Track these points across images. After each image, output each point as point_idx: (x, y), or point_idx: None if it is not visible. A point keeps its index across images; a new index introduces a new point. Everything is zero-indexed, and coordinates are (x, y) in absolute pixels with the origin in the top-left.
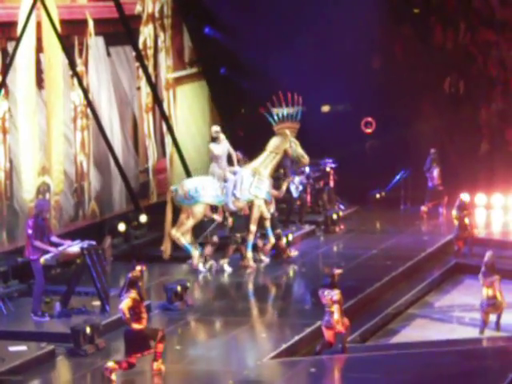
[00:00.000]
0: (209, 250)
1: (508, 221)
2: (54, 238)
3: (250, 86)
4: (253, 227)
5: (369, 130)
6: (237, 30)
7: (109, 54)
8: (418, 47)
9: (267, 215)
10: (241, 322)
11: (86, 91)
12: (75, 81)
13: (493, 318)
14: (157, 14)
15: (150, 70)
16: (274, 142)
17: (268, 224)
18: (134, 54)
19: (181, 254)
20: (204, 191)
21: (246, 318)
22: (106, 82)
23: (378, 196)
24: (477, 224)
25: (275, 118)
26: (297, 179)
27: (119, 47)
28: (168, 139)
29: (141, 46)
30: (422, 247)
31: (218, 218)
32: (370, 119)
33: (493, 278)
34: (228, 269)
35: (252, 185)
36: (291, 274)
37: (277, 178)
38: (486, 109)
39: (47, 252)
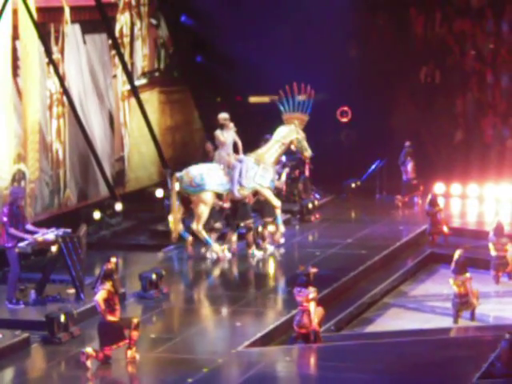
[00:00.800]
0: (213, 237)
1: (483, 211)
2: (29, 226)
3: (227, 75)
4: (277, 202)
5: (345, 120)
6: (213, 18)
7: (85, 42)
8: (393, 36)
9: (277, 204)
10: (216, 310)
11: (61, 79)
12: (51, 68)
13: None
14: (133, 2)
15: (126, 58)
16: (281, 132)
17: (279, 212)
18: (110, 41)
19: (156, 243)
20: (210, 179)
21: (222, 306)
22: (82, 69)
23: (353, 185)
24: (447, 221)
25: (286, 107)
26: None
27: (95, 35)
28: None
29: (117, 33)
30: (398, 237)
31: (226, 205)
32: (345, 108)
33: (464, 277)
34: (228, 255)
35: (257, 174)
36: (267, 262)
37: None
38: (461, 99)
39: (22, 240)
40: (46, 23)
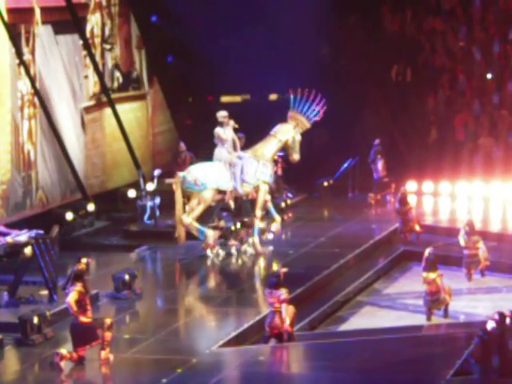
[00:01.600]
0: (216, 234)
1: (455, 208)
2: (1, 228)
3: (198, 75)
4: (259, 212)
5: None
6: (185, 18)
7: (57, 43)
8: (365, 35)
9: (268, 198)
10: (190, 310)
11: (33, 80)
12: (22, 69)
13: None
14: (104, 2)
15: (98, 58)
16: (281, 128)
17: (270, 205)
18: (81, 42)
19: (129, 243)
20: (213, 177)
21: (195, 306)
22: (54, 70)
23: (325, 184)
24: (418, 219)
25: (297, 104)
26: None
27: (67, 35)
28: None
29: (88, 34)
30: (370, 235)
31: (231, 202)
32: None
33: (435, 274)
34: (234, 252)
35: (257, 170)
36: (240, 262)
37: None
38: (433, 97)
39: None
40: (17, 24)
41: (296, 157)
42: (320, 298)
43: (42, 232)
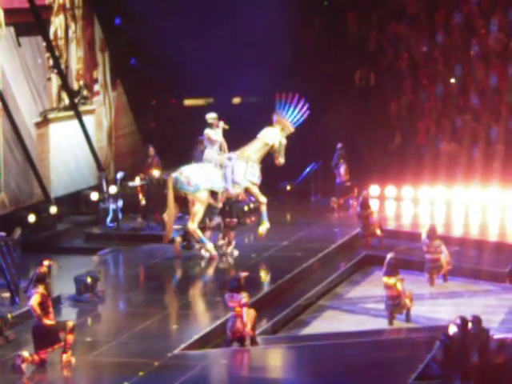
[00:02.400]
0: (208, 235)
1: (418, 213)
2: None
3: (162, 78)
4: (263, 198)
5: None
6: (148, 21)
7: (20, 45)
8: (329, 39)
9: (263, 200)
10: (152, 313)
11: None
12: None
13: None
14: (68, 5)
15: (61, 60)
16: (267, 132)
17: (264, 209)
18: (44, 44)
19: (92, 246)
20: (206, 177)
21: (158, 309)
22: (17, 72)
23: (288, 188)
24: (380, 223)
25: (282, 108)
26: None
27: (31, 37)
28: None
29: (52, 36)
30: (333, 239)
31: (220, 204)
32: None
33: (396, 279)
34: (236, 252)
35: (246, 171)
36: (202, 265)
37: None
38: (395, 101)
39: None
40: None
41: (282, 160)
42: (282, 301)
43: (3, 234)
